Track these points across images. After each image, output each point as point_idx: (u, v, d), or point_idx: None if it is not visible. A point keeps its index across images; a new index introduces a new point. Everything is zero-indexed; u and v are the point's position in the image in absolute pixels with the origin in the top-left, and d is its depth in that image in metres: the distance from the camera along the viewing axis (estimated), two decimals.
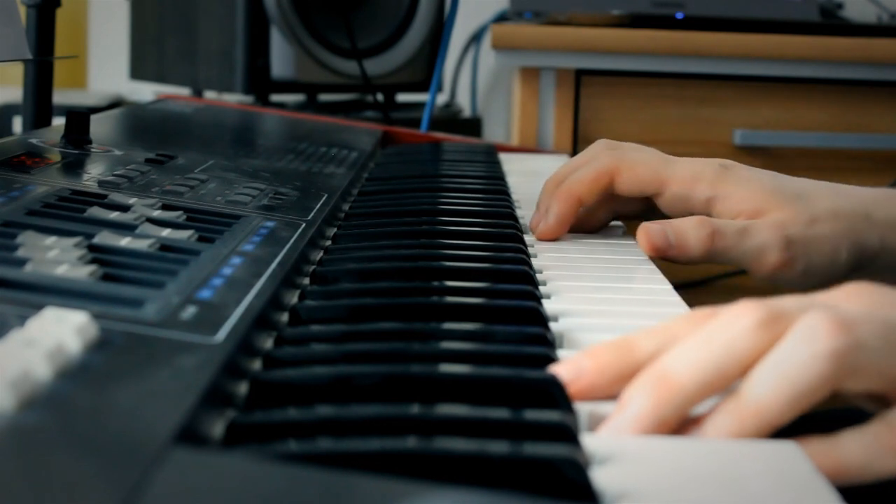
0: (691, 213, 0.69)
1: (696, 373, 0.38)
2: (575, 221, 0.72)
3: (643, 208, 0.74)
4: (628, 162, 0.71)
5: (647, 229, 0.66)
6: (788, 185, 0.69)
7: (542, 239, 0.71)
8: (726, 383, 0.39)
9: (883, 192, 0.70)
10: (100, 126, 0.88)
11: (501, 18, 1.62)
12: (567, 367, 0.42)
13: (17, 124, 1.58)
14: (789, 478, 0.35)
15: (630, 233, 0.76)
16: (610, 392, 0.41)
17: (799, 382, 0.37)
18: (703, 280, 1.32)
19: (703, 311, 0.42)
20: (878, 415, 0.39)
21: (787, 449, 0.37)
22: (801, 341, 0.38)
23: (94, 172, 0.68)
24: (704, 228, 0.65)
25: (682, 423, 0.39)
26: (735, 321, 0.39)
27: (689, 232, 0.65)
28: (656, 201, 0.71)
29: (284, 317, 0.51)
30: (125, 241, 0.51)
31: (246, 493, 0.29)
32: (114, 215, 0.56)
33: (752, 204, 0.68)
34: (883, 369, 0.38)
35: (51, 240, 0.49)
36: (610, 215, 0.75)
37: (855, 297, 0.42)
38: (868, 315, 0.39)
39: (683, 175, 0.70)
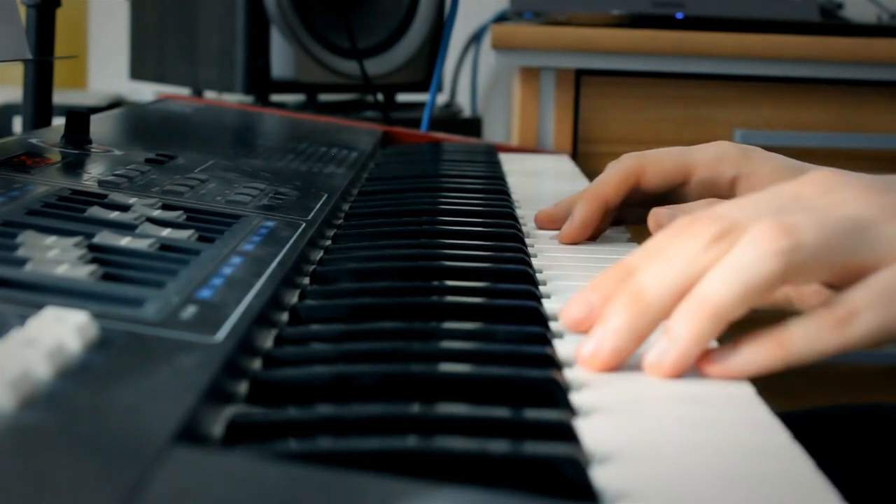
0: (717, 195, 0.70)
1: (662, 288, 0.44)
2: (601, 225, 0.71)
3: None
4: (652, 158, 0.71)
5: (656, 214, 0.66)
6: (804, 166, 0.70)
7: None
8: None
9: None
10: (100, 126, 0.88)
11: (501, 18, 1.62)
12: (577, 305, 0.47)
13: (17, 124, 1.58)
14: (784, 480, 0.35)
15: (630, 233, 0.76)
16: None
17: (748, 278, 0.42)
18: None
19: (682, 224, 0.46)
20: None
21: (783, 448, 0.38)
22: (748, 246, 0.43)
23: (94, 172, 0.68)
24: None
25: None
26: (694, 239, 0.44)
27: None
28: (683, 190, 0.71)
29: (284, 316, 0.51)
30: (125, 241, 0.51)
31: (246, 493, 0.29)
32: (114, 215, 0.56)
33: (775, 181, 0.68)
34: (825, 263, 0.43)
35: (51, 239, 0.49)
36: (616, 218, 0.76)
37: (805, 185, 0.47)
38: (809, 216, 0.44)
39: (707, 159, 0.70)
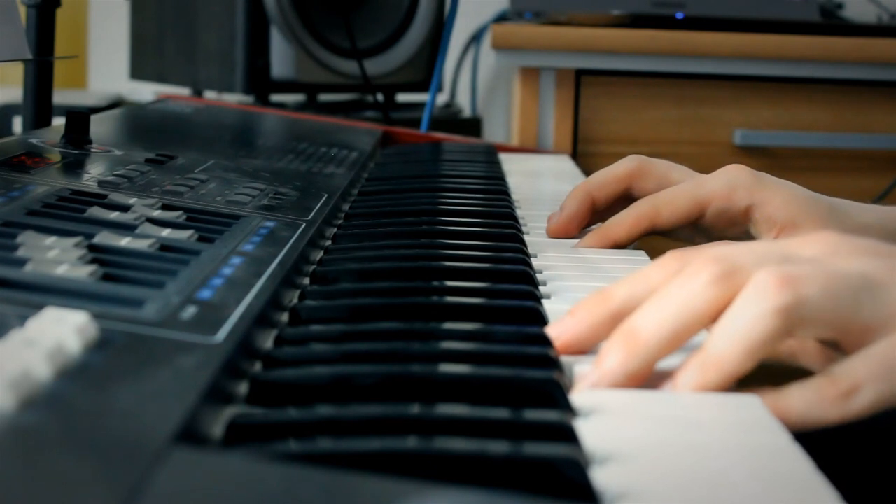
0: (733, 226, 0.70)
1: (659, 329, 0.43)
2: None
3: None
4: (666, 200, 0.70)
5: None
6: (821, 199, 0.70)
7: (552, 235, 0.72)
8: (688, 336, 0.43)
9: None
10: (100, 126, 0.88)
11: (501, 18, 1.62)
12: (554, 326, 0.47)
13: (17, 124, 1.58)
14: (782, 482, 0.35)
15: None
16: (594, 341, 0.46)
17: (751, 337, 0.42)
18: None
19: (673, 257, 0.46)
20: (824, 369, 0.43)
21: (782, 448, 0.38)
22: (750, 300, 0.42)
23: (94, 172, 0.68)
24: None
25: (657, 378, 0.44)
26: (693, 279, 0.44)
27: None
28: (698, 223, 0.71)
29: (284, 317, 0.51)
30: (125, 241, 0.51)
31: (246, 493, 0.29)
32: (114, 215, 0.56)
33: (787, 213, 0.68)
34: (828, 319, 0.43)
35: (51, 240, 0.49)
36: None
37: (812, 244, 0.46)
38: (814, 270, 0.43)
39: (720, 189, 0.69)
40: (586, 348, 0.47)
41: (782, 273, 0.42)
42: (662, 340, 0.43)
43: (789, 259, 0.45)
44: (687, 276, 0.44)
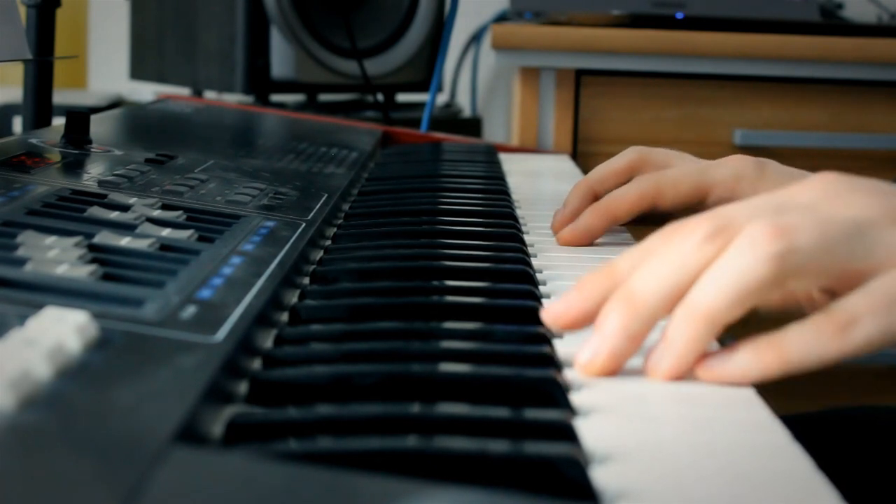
0: None
1: (656, 289, 0.43)
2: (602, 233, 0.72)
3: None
4: (670, 181, 0.70)
5: None
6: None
7: (564, 243, 0.70)
8: (685, 293, 0.43)
9: None
10: (100, 126, 0.88)
11: (501, 18, 1.62)
12: (557, 303, 0.47)
13: (17, 124, 1.58)
14: (782, 481, 0.35)
15: (630, 233, 0.76)
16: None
17: (741, 282, 0.42)
18: None
19: (675, 227, 0.46)
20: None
21: (782, 448, 0.38)
22: (742, 248, 0.42)
23: (94, 172, 0.68)
24: None
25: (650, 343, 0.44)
26: (687, 237, 0.44)
27: None
28: (699, 209, 0.70)
29: (284, 316, 0.51)
30: (125, 241, 0.51)
31: (246, 493, 0.29)
32: (114, 215, 0.56)
33: None
34: (822, 267, 0.43)
35: (51, 239, 0.49)
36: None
37: (808, 189, 0.46)
38: (806, 218, 0.43)
39: (725, 179, 0.69)
40: (591, 323, 0.46)
41: (774, 223, 0.42)
42: (660, 299, 0.43)
43: (783, 210, 0.44)
44: (681, 236, 0.44)
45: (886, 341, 0.42)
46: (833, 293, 0.45)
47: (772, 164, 0.70)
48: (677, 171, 0.70)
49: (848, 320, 0.42)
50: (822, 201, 0.46)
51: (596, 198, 0.72)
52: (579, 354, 0.44)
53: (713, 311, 0.42)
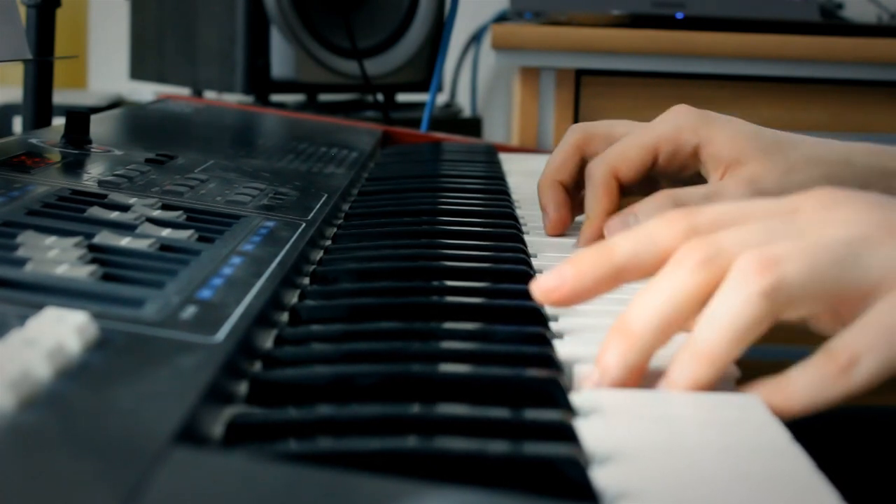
0: (684, 169, 0.70)
1: (650, 321, 0.43)
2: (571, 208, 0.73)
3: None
4: (618, 156, 0.70)
5: (609, 226, 0.67)
6: (767, 133, 0.70)
7: (553, 235, 0.72)
8: (679, 323, 0.44)
9: (865, 144, 0.70)
10: (100, 126, 0.88)
11: (501, 18, 1.62)
12: (551, 276, 0.46)
13: (17, 124, 1.58)
14: (782, 482, 0.35)
15: None
16: (592, 294, 0.46)
17: (736, 324, 0.42)
18: None
19: (676, 213, 0.46)
20: (821, 346, 0.43)
21: (781, 448, 0.38)
22: (732, 287, 0.42)
23: (94, 172, 0.68)
24: (667, 202, 0.65)
25: (653, 375, 0.44)
26: (677, 267, 0.44)
27: (651, 214, 0.65)
28: (652, 169, 0.71)
29: (284, 317, 0.51)
30: (125, 241, 0.51)
31: (246, 493, 0.29)
32: (114, 215, 0.56)
33: (731, 151, 0.68)
34: (814, 295, 0.42)
35: (51, 240, 0.49)
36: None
37: (808, 200, 0.46)
38: (795, 247, 0.42)
39: (667, 132, 0.70)
40: (582, 301, 0.46)
41: (762, 256, 0.42)
42: (655, 331, 0.43)
43: (773, 235, 0.44)
44: (672, 265, 0.44)
45: (889, 373, 0.42)
46: (837, 313, 0.45)
47: (713, 114, 0.71)
48: (621, 143, 0.71)
49: (849, 360, 0.42)
50: (813, 221, 0.45)
51: (564, 188, 0.73)
52: (581, 387, 0.44)
53: (715, 353, 0.42)
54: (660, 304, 0.43)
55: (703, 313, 0.43)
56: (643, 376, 0.44)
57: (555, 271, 0.46)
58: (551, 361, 0.44)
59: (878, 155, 0.68)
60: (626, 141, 0.71)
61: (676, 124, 0.70)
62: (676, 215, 0.46)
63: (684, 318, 0.43)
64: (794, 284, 0.42)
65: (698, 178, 0.71)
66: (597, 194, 0.69)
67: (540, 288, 0.46)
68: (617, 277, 0.45)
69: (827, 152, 0.68)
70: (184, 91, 1.56)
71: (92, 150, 0.76)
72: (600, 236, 0.68)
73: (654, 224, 0.46)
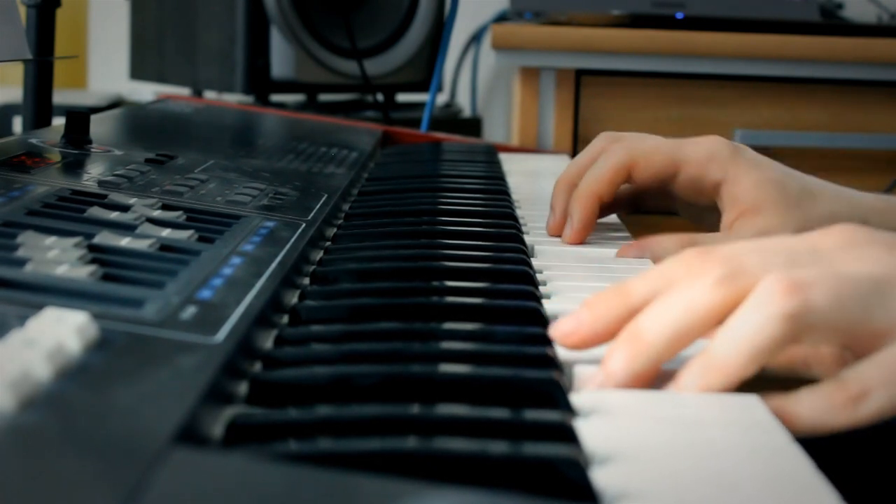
0: (701, 196, 0.70)
1: (663, 331, 0.43)
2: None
3: (642, 198, 0.75)
4: (642, 152, 0.70)
5: (623, 251, 0.67)
6: (793, 184, 0.69)
7: (570, 243, 0.71)
8: (692, 337, 0.43)
9: (884, 199, 0.70)
10: (100, 126, 0.88)
11: (501, 18, 1.62)
12: (567, 320, 0.46)
13: (17, 124, 1.58)
14: (782, 482, 0.35)
15: (629, 230, 0.76)
16: (610, 337, 0.45)
17: (755, 342, 0.41)
18: None
19: (694, 253, 0.45)
20: (835, 374, 0.43)
21: (782, 448, 0.38)
22: (756, 305, 0.42)
23: (94, 172, 0.68)
24: (685, 240, 0.66)
25: (660, 379, 0.44)
26: (698, 280, 0.43)
27: (668, 251, 0.65)
28: (670, 185, 0.71)
29: (284, 317, 0.51)
30: (125, 241, 0.51)
31: (246, 493, 0.29)
32: (114, 215, 0.56)
33: (752, 197, 0.68)
34: (836, 326, 0.42)
35: (51, 240, 0.49)
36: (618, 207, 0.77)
37: (827, 239, 0.45)
38: (822, 274, 0.42)
39: (698, 157, 0.70)
40: (600, 344, 0.46)
41: (790, 278, 0.42)
42: (667, 342, 0.43)
43: (797, 261, 0.44)
44: (692, 278, 0.43)
45: None
46: (846, 349, 0.44)
47: (747, 151, 0.71)
48: (651, 143, 0.71)
49: (859, 392, 0.41)
50: (838, 253, 0.44)
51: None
52: (583, 388, 0.44)
53: (728, 368, 0.42)
54: (675, 317, 0.43)
55: (723, 327, 0.42)
56: (649, 382, 0.44)
57: (572, 316, 0.46)
58: (551, 362, 0.44)
59: (894, 213, 0.69)
60: (658, 145, 0.71)
61: (708, 153, 0.70)
62: (692, 254, 0.45)
63: (697, 333, 0.43)
64: (819, 312, 0.41)
65: (713, 208, 0.71)
66: (604, 173, 0.69)
67: (558, 332, 0.46)
68: (632, 319, 0.45)
69: (847, 210, 0.68)
70: (184, 91, 1.56)
71: (92, 150, 0.76)
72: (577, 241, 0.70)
73: (669, 264, 0.45)
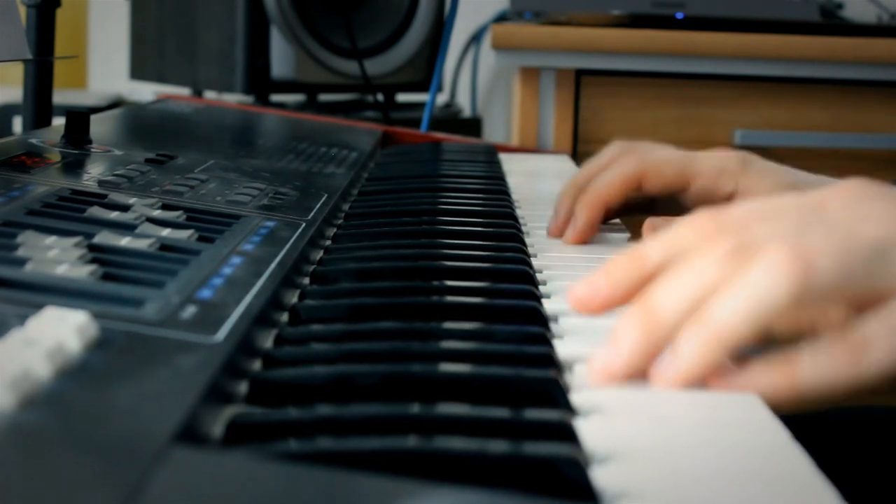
0: (713, 205, 0.70)
1: (674, 306, 0.43)
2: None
3: (651, 204, 0.75)
4: (653, 163, 0.71)
5: (652, 222, 0.67)
6: (804, 186, 0.69)
7: (572, 244, 0.71)
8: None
9: None
10: (100, 126, 0.88)
11: (501, 18, 1.62)
12: (584, 286, 0.46)
13: (17, 124, 1.58)
14: (782, 481, 0.35)
15: (628, 230, 0.76)
16: (627, 301, 0.46)
17: (757, 303, 0.41)
18: None
19: (707, 217, 0.45)
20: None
21: (781, 447, 0.38)
22: (761, 269, 0.42)
23: (94, 172, 0.68)
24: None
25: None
26: (708, 253, 0.43)
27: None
28: (680, 196, 0.71)
29: (284, 316, 0.51)
30: (125, 241, 0.51)
31: (246, 493, 0.29)
32: (114, 215, 0.56)
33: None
34: (841, 290, 0.42)
35: (51, 239, 0.49)
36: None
37: (837, 195, 0.45)
38: (826, 240, 0.42)
39: (709, 170, 0.70)
40: (617, 307, 0.46)
41: (794, 245, 0.42)
42: (678, 316, 0.43)
43: (805, 228, 0.43)
44: (703, 251, 0.44)
45: None
46: (851, 311, 0.44)
47: (757, 161, 0.71)
48: (662, 155, 0.71)
49: (862, 345, 0.41)
50: (845, 216, 0.44)
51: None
52: (594, 361, 0.44)
53: (727, 330, 0.41)
54: (685, 291, 0.43)
55: (722, 291, 0.42)
56: (656, 357, 0.44)
57: (588, 281, 0.46)
58: (551, 361, 0.44)
59: None
60: (668, 156, 0.71)
61: (719, 166, 0.70)
62: (703, 218, 0.45)
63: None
64: (823, 277, 0.42)
65: None
66: (613, 181, 0.70)
67: (575, 297, 0.46)
68: (648, 284, 0.45)
69: None
70: (184, 91, 1.56)
71: (92, 150, 0.76)
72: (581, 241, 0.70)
73: (682, 229, 0.46)
